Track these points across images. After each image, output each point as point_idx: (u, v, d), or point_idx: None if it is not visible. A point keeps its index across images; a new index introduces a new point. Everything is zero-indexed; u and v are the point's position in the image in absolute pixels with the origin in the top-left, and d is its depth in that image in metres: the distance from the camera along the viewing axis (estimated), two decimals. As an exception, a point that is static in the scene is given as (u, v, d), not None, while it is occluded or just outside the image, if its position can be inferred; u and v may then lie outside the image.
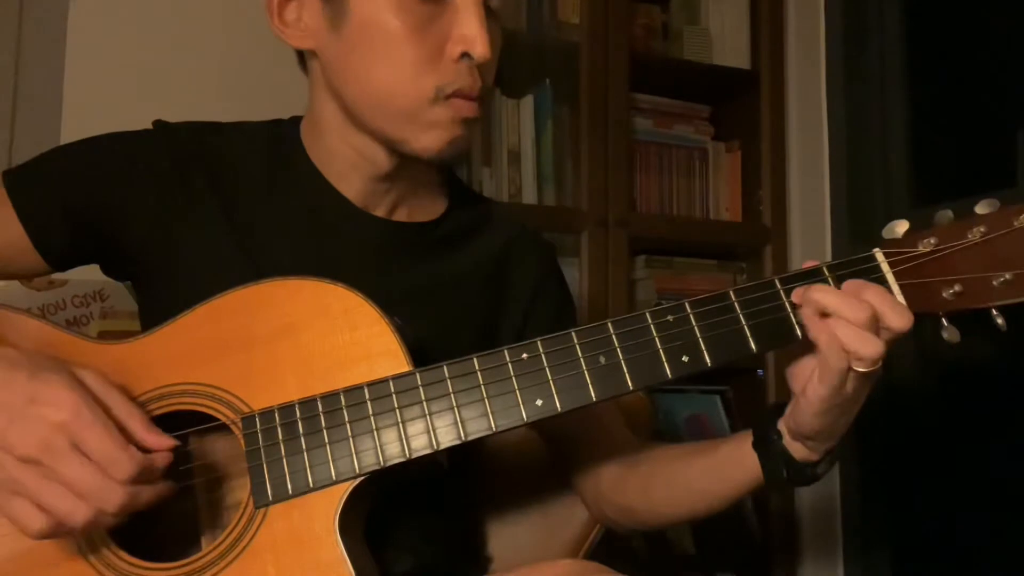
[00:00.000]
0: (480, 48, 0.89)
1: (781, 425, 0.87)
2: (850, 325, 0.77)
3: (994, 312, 0.78)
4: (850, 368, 0.78)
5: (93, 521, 0.74)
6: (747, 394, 2.15)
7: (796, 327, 0.81)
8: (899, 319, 0.78)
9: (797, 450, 0.86)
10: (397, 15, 0.88)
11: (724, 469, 0.93)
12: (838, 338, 0.77)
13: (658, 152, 2.18)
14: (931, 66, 2.18)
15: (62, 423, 0.74)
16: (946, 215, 0.80)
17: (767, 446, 0.88)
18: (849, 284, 0.80)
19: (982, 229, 0.78)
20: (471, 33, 0.88)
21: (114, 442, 0.74)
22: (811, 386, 0.80)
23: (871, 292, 0.78)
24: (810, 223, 2.28)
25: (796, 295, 0.81)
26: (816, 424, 0.82)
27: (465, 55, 0.89)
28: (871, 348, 0.77)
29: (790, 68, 2.28)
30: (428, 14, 0.89)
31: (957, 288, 0.78)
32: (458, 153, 0.94)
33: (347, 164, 0.97)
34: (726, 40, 2.25)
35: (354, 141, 0.96)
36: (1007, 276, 0.76)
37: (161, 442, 0.78)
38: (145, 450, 0.77)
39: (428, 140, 0.91)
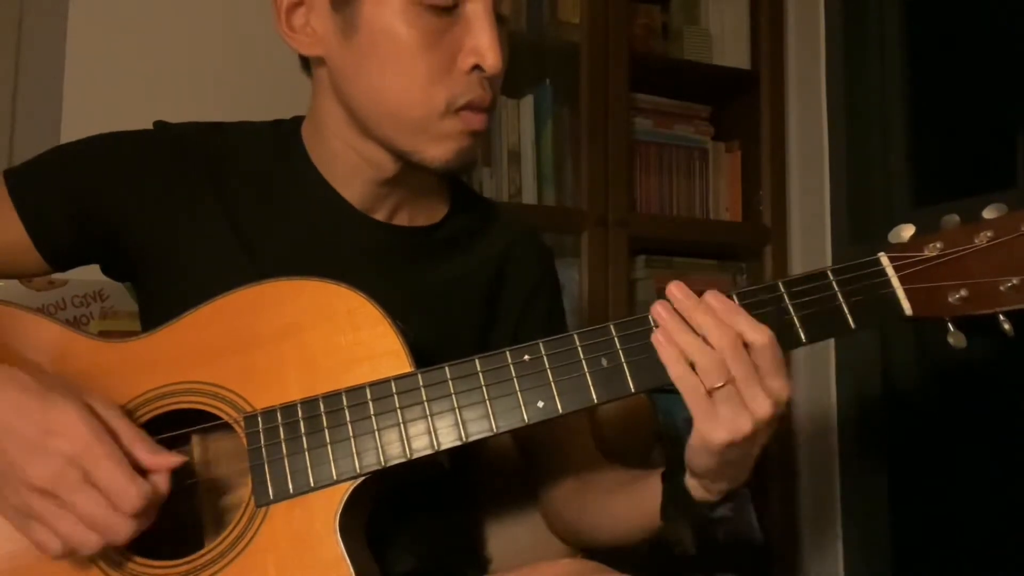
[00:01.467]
0: (492, 60, 0.88)
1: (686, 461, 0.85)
2: (687, 337, 0.77)
3: (1001, 317, 0.77)
4: (708, 392, 0.76)
5: (104, 548, 0.77)
6: (747, 394, 2.15)
7: (800, 332, 0.80)
8: (757, 335, 0.77)
9: (694, 487, 0.85)
10: (409, 26, 0.87)
11: (641, 498, 0.93)
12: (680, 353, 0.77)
13: (658, 152, 2.18)
14: (931, 66, 2.18)
15: (75, 456, 0.75)
16: (953, 219, 0.80)
17: (671, 479, 0.88)
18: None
19: (989, 234, 0.77)
20: (483, 45, 0.88)
21: (124, 475, 0.75)
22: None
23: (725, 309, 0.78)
24: (810, 223, 2.28)
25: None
26: (702, 463, 0.81)
27: (476, 67, 0.89)
28: (703, 356, 0.76)
29: (790, 68, 2.28)
30: (440, 25, 0.88)
31: (963, 293, 0.78)
32: (466, 163, 0.93)
33: (349, 168, 0.97)
34: (726, 40, 2.25)
35: (358, 146, 0.95)
36: (1014, 281, 0.76)
37: (168, 461, 0.79)
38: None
39: (437, 151, 0.91)
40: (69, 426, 0.75)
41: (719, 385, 0.76)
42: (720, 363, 0.76)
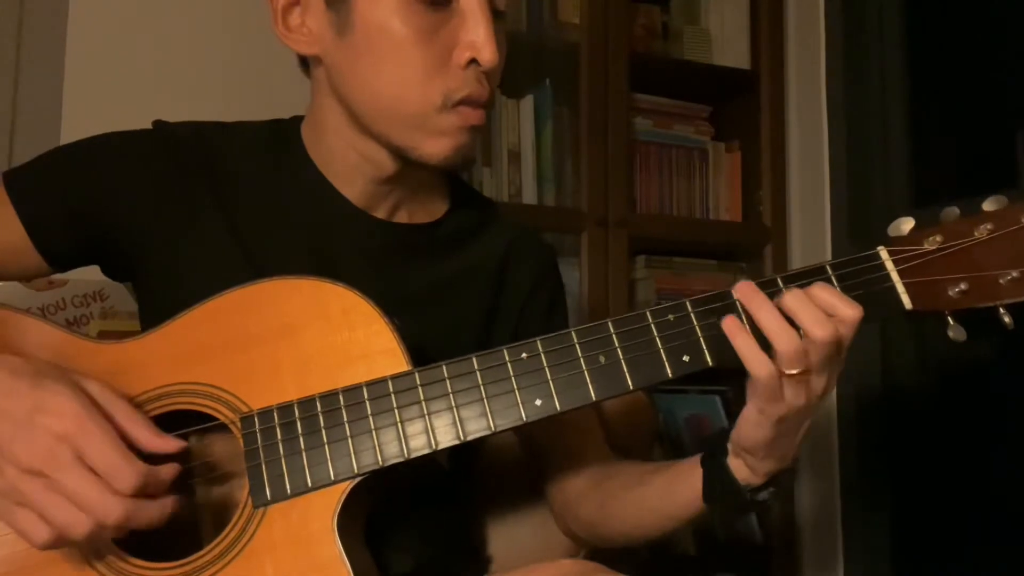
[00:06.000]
0: (488, 55, 0.88)
1: (730, 441, 0.85)
2: (770, 314, 0.77)
3: (1001, 310, 0.77)
4: (780, 373, 0.77)
5: (94, 533, 0.74)
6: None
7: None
8: (848, 309, 0.76)
9: (738, 468, 0.84)
10: (404, 21, 0.88)
11: (673, 486, 0.91)
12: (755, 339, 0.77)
13: (658, 152, 2.19)
14: (931, 66, 2.18)
15: (65, 434, 0.73)
16: (953, 212, 0.79)
17: (712, 462, 0.86)
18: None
19: (989, 226, 0.77)
20: (479, 39, 0.88)
21: (117, 453, 0.74)
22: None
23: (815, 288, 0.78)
24: (810, 223, 2.28)
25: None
26: (755, 436, 0.80)
27: (473, 62, 0.89)
28: (785, 342, 0.76)
29: (790, 68, 2.28)
30: (434, 20, 0.88)
31: (963, 286, 0.77)
32: (464, 159, 0.93)
33: (349, 166, 0.97)
34: (726, 40, 2.25)
35: (357, 144, 0.95)
36: (1014, 274, 0.76)
37: (168, 445, 0.78)
38: (150, 457, 0.77)
39: (435, 147, 0.91)
40: (59, 405, 0.74)
41: (795, 372, 0.76)
42: (803, 352, 0.76)
